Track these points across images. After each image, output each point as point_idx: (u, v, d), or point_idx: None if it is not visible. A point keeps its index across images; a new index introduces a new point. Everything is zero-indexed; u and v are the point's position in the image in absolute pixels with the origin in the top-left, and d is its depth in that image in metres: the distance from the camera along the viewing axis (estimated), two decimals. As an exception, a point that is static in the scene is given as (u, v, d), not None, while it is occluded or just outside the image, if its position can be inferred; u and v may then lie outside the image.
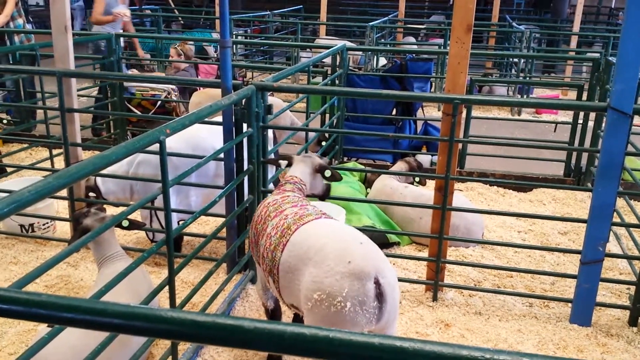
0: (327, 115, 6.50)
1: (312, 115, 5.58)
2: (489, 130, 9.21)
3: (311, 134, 5.68)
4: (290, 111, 6.38)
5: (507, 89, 11.17)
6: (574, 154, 6.65)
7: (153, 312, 1.22)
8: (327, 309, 2.43)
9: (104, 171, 4.02)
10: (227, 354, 3.55)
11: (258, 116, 4.03)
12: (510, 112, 10.53)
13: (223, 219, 4.21)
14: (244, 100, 3.98)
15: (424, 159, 6.83)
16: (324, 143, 5.87)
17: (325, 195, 3.63)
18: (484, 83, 11.01)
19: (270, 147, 4.55)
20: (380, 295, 2.46)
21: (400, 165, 5.61)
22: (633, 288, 4.03)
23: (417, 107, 6.95)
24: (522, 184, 6.25)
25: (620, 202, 6.05)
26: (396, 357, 1.08)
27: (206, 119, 3.52)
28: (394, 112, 6.90)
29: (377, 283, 2.46)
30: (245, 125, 4.05)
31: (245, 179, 4.17)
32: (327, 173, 3.46)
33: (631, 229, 4.86)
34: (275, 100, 6.17)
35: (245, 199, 4.19)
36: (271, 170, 4.78)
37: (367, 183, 5.94)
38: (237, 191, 4.20)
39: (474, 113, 7.77)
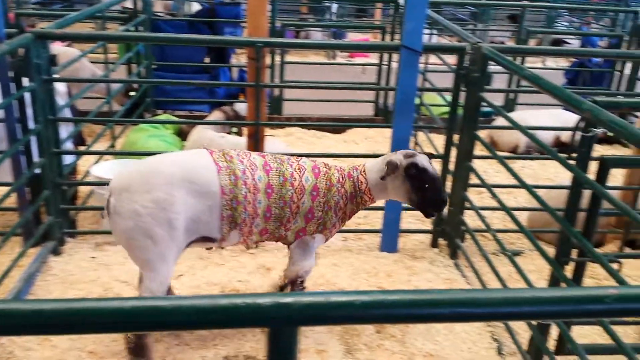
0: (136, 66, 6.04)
1: (113, 66, 5.12)
2: (307, 76, 9.35)
3: (114, 86, 5.22)
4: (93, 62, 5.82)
5: (322, 34, 11.38)
6: (381, 94, 7.02)
7: None
8: None
9: None
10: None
11: (40, 68, 3.55)
12: (327, 56, 10.79)
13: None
14: (22, 52, 3.48)
15: (242, 107, 6.71)
16: (132, 93, 5.44)
17: (427, 213, 3.09)
18: (297, 27, 11.07)
19: (62, 102, 4.08)
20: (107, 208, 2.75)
21: (216, 115, 5.44)
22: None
23: (230, 53, 6.75)
24: (335, 125, 6.47)
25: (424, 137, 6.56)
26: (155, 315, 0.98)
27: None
28: (207, 60, 6.63)
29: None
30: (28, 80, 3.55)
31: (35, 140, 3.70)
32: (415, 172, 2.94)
33: (431, 159, 5.30)
34: (71, 51, 5.54)
35: (35, 162, 3.72)
36: (67, 126, 4.31)
37: (183, 135, 5.68)
38: (26, 154, 3.72)
39: (291, 59, 7.78)
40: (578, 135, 2.50)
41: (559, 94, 2.51)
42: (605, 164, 2.52)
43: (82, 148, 4.88)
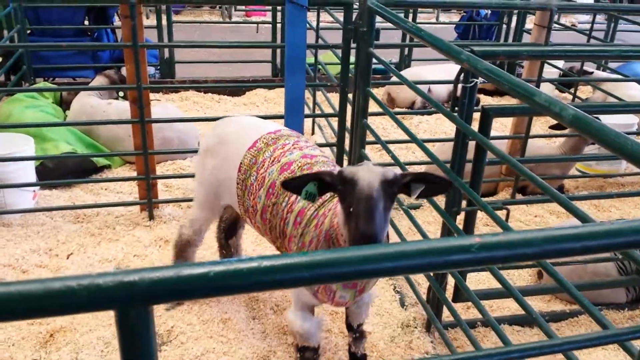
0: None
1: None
2: (203, 37, 8.98)
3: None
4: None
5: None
6: (278, 54, 6.86)
7: None
8: None
9: None
10: None
11: None
12: (222, 16, 10.40)
13: None
14: None
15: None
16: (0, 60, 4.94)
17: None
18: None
19: None
20: None
21: (99, 80, 5.06)
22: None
23: (112, 13, 6.29)
24: (231, 86, 6.27)
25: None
26: None
27: None
28: (86, 22, 6.14)
29: None
30: None
31: None
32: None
33: (329, 118, 5.28)
34: None
35: None
36: None
37: (65, 104, 5.25)
38: None
39: (183, 18, 7.40)
40: (460, 86, 2.53)
41: (439, 46, 2.51)
42: (487, 114, 2.57)
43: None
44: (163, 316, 3.20)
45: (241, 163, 2.66)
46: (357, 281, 2.20)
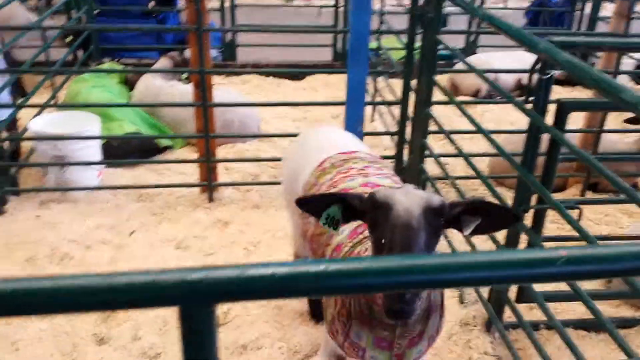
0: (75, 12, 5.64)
1: (48, 12, 4.74)
2: (263, 21, 8.98)
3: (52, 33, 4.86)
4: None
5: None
6: (339, 38, 6.77)
7: None
8: None
9: None
10: None
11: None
12: (284, -1, 10.38)
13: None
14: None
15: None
16: (68, 39, 5.08)
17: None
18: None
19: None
20: None
21: (163, 62, 5.15)
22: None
23: (177, -3, 6.38)
24: (291, 71, 6.24)
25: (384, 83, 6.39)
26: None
27: None
28: (152, 4, 6.24)
29: None
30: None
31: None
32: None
33: (391, 106, 5.17)
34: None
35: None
36: (2, 78, 4.00)
37: (130, 85, 5.37)
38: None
39: (243, 2, 7.41)
40: (535, 77, 2.38)
41: (514, 35, 2.37)
42: (564, 108, 2.42)
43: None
44: (220, 299, 3.22)
45: (306, 182, 2.39)
46: (395, 342, 1.82)
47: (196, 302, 0.89)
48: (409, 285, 0.90)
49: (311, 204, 1.72)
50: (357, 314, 1.81)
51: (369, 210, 1.61)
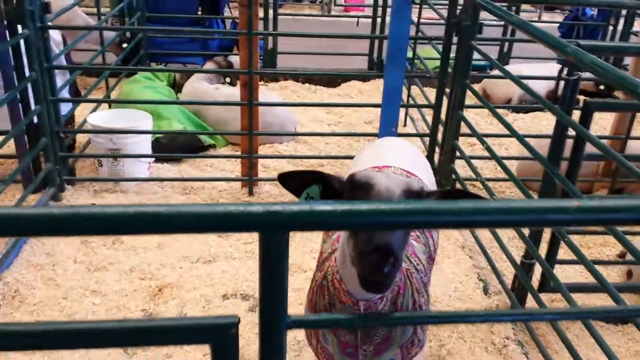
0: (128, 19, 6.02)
1: (105, 16, 5.10)
2: (303, 30, 9.31)
3: (108, 37, 5.22)
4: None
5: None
6: (375, 48, 7.01)
7: None
8: None
9: None
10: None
11: (33, 15, 3.57)
12: (321, 10, 10.69)
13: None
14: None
15: (236, 59, 6.73)
16: (125, 45, 5.44)
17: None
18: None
19: (57, 51, 4.11)
20: None
21: (209, 66, 5.46)
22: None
23: (223, 5, 6.71)
24: (328, 74, 6.50)
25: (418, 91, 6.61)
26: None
27: None
28: (199, 12, 6.60)
29: None
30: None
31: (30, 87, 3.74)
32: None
33: (423, 110, 5.38)
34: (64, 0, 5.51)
35: (32, 110, 3.78)
36: (63, 77, 4.35)
37: (177, 87, 5.71)
38: (22, 102, 3.77)
39: (284, 11, 7.73)
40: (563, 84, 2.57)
41: (545, 39, 2.56)
42: (589, 108, 2.60)
43: (77, 99, 4.92)
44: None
45: None
46: (359, 349, 1.78)
47: (276, 228, 1.12)
48: (443, 224, 1.12)
49: (292, 181, 1.66)
50: (322, 311, 1.80)
51: (348, 191, 1.61)
